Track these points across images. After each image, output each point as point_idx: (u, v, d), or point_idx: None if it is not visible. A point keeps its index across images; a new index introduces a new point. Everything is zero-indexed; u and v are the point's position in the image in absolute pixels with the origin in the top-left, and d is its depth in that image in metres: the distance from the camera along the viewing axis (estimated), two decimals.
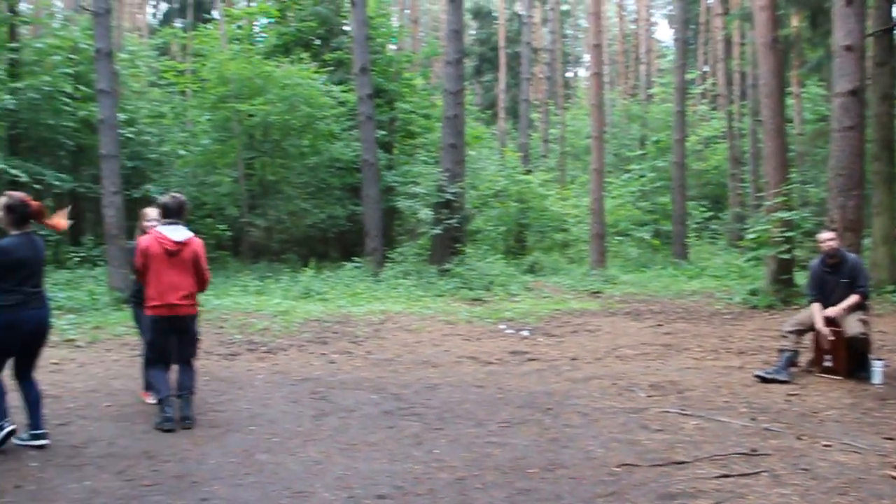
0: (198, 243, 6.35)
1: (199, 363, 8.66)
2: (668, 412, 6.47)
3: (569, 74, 54.79)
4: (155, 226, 6.41)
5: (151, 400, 6.76)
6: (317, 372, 8.34)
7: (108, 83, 13.37)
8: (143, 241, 6.19)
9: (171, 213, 6.27)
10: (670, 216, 24.18)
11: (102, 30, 13.41)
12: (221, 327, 11.41)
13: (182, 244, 6.21)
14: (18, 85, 17.58)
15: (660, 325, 11.94)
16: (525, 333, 11.17)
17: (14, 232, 5.34)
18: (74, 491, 4.62)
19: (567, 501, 4.46)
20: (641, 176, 27.38)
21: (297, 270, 17.58)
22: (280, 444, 5.57)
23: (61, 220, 5.56)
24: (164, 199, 6.35)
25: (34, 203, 5.37)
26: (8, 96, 16.97)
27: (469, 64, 41.83)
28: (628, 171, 28.91)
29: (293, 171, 20.94)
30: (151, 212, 6.70)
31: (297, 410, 6.57)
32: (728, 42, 30.19)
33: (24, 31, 20.67)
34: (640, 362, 8.97)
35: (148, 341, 6.34)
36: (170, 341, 6.31)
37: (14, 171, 16.19)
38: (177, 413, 6.09)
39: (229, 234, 21.16)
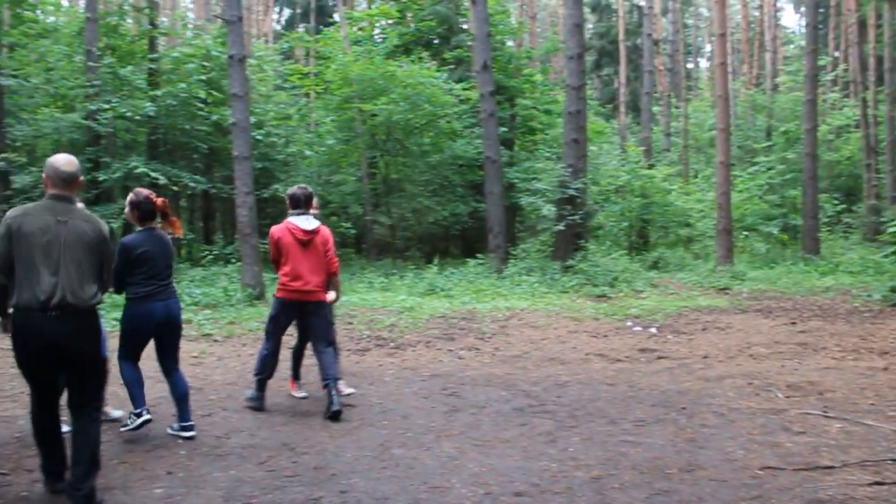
0: (326, 232, 6.59)
1: None
2: (809, 414, 6.20)
3: (689, 65, 53.27)
4: None
5: (298, 394, 6.93)
6: (445, 368, 8.40)
7: (241, 87, 13.84)
8: (275, 231, 6.47)
9: (300, 204, 6.52)
10: (800, 210, 23.14)
11: (235, 37, 13.90)
12: (350, 323, 11.64)
13: (312, 233, 6.44)
14: (157, 93, 18.46)
15: (793, 322, 11.44)
16: (653, 331, 10.92)
17: (139, 228, 5.60)
18: (220, 480, 4.79)
19: None
20: (769, 168, 26.30)
21: (421, 267, 17.77)
22: (414, 438, 5.62)
23: (178, 226, 5.80)
24: (292, 190, 6.61)
25: (158, 200, 5.59)
26: (148, 104, 17.83)
27: (588, 58, 41.26)
28: (755, 164, 27.82)
29: (416, 169, 21.19)
30: None
31: (429, 406, 6.63)
32: (862, 24, 28.64)
33: (161, 42, 21.72)
34: (774, 361, 8.63)
35: (270, 316, 6.64)
36: (287, 325, 6.67)
37: (154, 174, 17.00)
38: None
39: (354, 231, 21.61)
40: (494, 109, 17.52)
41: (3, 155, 17.38)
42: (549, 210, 17.27)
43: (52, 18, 22.48)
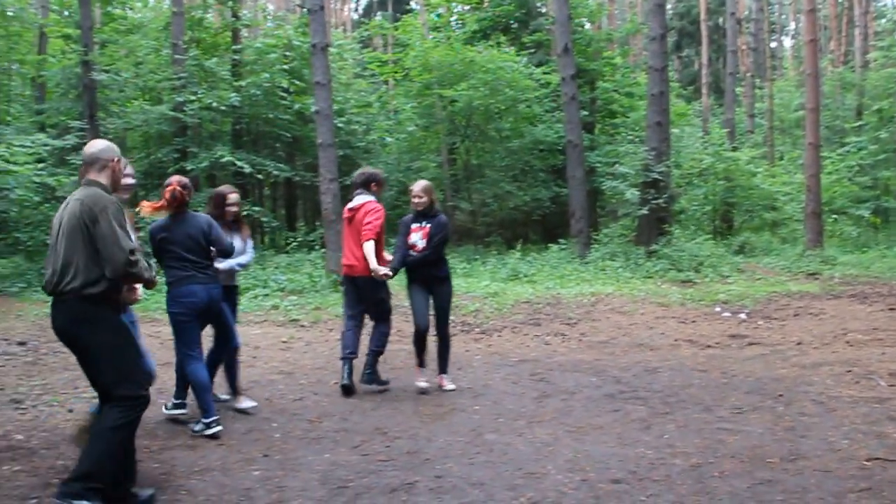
0: (370, 206, 6.55)
1: None
2: None
3: (773, 44, 51.60)
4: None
5: (449, 386, 6.84)
6: (533, 353, 8.36)
7: (324, 75, 13.98)
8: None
9: (357, 185, 6.75)
10: (893, 192, 22.23)
11: (317, 25, 14.05)
12: None
13: (354, 210, 6.60)
14: (241, 83, 18.81)
15: (892, 309, 11.02)
16: (743, 316, 10.66)
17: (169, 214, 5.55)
18: (316, 463, 4.86)
19: (815, 495, 4.19)
20: (860, 149, 25.31)
21: (503, 253, 17.70)
22: (506, 424, 5.60)
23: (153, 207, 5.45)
24: (354, 174, 6.89)
25: (168, 187, 5.46)
26: (233, 94, 18.18)
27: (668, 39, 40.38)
28: (844, 145, 26.81)
29: (496, 154, 21.09)
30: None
31: (519, 391, 6.60)
32: None
33: (244, 33, 22.11)
34: (874, 348, 8.32)
35: None
36: (353, 300, 6.78)
37: (239, 163, 17.35)
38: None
39: None
40: (575, 93, 17.29)
41: None
42: (632, 194, 16.98)
43: (140, 14, 23.14)
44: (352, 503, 4.19)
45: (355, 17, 38.20)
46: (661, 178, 16.22)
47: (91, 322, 3.99)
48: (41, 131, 21.17)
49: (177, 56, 18.46)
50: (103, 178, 4.11)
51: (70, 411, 6.04)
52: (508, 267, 15.31)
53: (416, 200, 6.74)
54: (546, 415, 5.82)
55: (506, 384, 6.88)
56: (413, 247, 6.66)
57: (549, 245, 17.72)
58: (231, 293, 6.25)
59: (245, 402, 6.14)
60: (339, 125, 20.09)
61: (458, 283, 13.93)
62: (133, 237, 4.33)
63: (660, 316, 10.68)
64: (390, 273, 6.46)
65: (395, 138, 21.95)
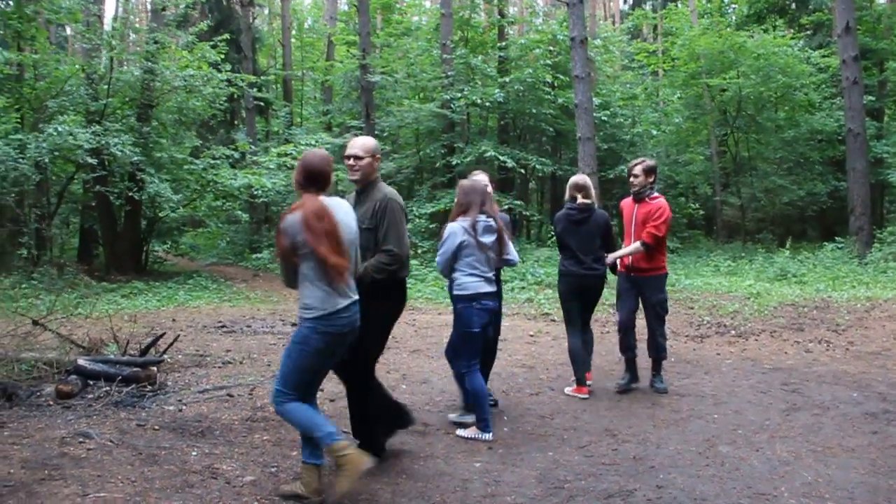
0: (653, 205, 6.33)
1: (668, 343, 8.64)
2: None
3: None
4: None
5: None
6: (789, 361, 7.75)
7: (583, 69, 13.93)
8: None
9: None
10: None
11: (576, 19, 14.01)
12: (691, 308, 11.24)
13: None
14: (505, 79, 19.21)
15: None
16: None
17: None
18: (538, 460, 4.85)
19: None
20: None
21: (772, 251, 16.63)
22: (744, 437, 5.23)
23: None
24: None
25: None
26: (497, 90, 18.62)
27: None
28: None
29: (769, 146, 19.83)
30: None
31: (766, 402, 6.15)
32: None
33: (510, 30, 22.58)
34: None
35: None
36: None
37: (502, 157, 17.75)
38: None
39: (702, 213, 20.87)
40: (858, 76, 15.73)
41: None
42: None
43: (416, 18, 24.44)
44: None
45: (624, 7, 37.50)
46: None
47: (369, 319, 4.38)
48: (327, 131, 23.07)
49: (445, 56, 19.24)
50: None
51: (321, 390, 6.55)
52: (776, 266, 14.37)
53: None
54: (791, 430, 5.36)
55: (753, 393, 6.44)
56: None
57: (824, 243, 16.35)
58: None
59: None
60: (604, 118, 19.90)
61: (719, 281, 13.37)
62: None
63: None
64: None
65: (662, 130, 21.33)
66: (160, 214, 17.41)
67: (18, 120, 15.73)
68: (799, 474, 4.47)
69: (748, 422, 5.59)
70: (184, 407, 5.93)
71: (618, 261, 6.43)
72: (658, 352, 6.55)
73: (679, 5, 24.91)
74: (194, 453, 4.92)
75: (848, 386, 6.62)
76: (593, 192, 6.53)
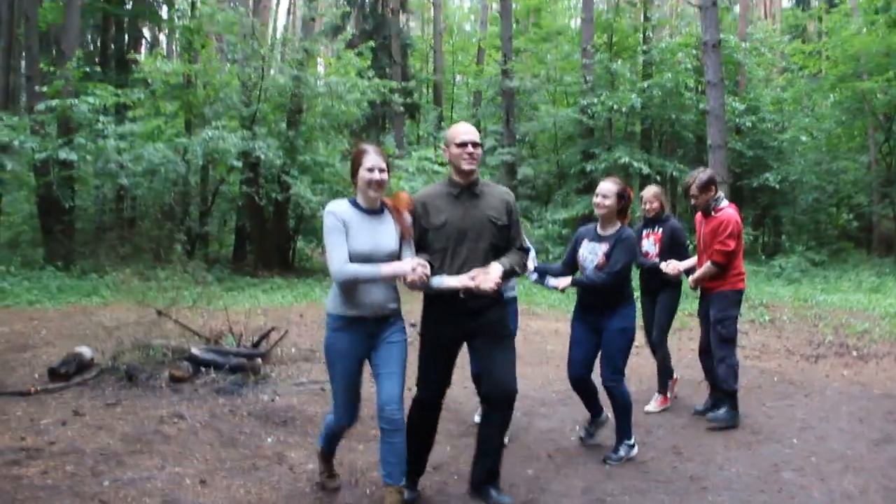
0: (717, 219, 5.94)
1: (777, 361, 8.35)
2: None
3: None
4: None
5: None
6: None
7: (715, 74, 13.53)
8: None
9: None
10: None
11: (709, 22, 13.63)
12: (815, 325, 10.75)
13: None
14: (643, 84, 18.89)
15: None
16: None
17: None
18: (592, 472, 4.87)
19: None
20: None
21: None
22: (815, 465, 5.00)
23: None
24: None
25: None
26: (633, 95, 18.33)
27: None
28: None
29: None
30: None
31: (858, 430, 5.82)
32: None
33: (653, 34, 22.16)
34: None
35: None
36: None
37: (637, 164, 17.49)
38: None
39: (856, 224, 19.74)
40: None
41: (510, 149, 19.40)
42: None
43: (560, 22, 24.44)
44: None
45: (787, 4, 35.73)
46: None
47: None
48: None
49: (585, 61, 19.14)
50: None
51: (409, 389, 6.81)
52: None
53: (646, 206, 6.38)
54: (872, 463, 5.04)
55: (848, 420, 6.11)
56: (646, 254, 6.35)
57: None
58: None
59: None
60: (749, 124, 19.23)
61: (858, 298, 12.66)
62: None
63: None
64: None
65: (812, 136, 20.30)
66: (306, 214, 18.29)
67: (183, 125, 17.05)
68: None
69: (828, 450, 5.34)
70: (277, 397, 6.35)
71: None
72: (715, 378, 6.10)
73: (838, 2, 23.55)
74: (270, 440, 5.32)
75: None
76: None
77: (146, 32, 26.22)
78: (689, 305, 9.59)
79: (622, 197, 5.07)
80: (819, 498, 4.44)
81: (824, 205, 20.21)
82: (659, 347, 6.47)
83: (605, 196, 5.07)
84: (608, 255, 5.04)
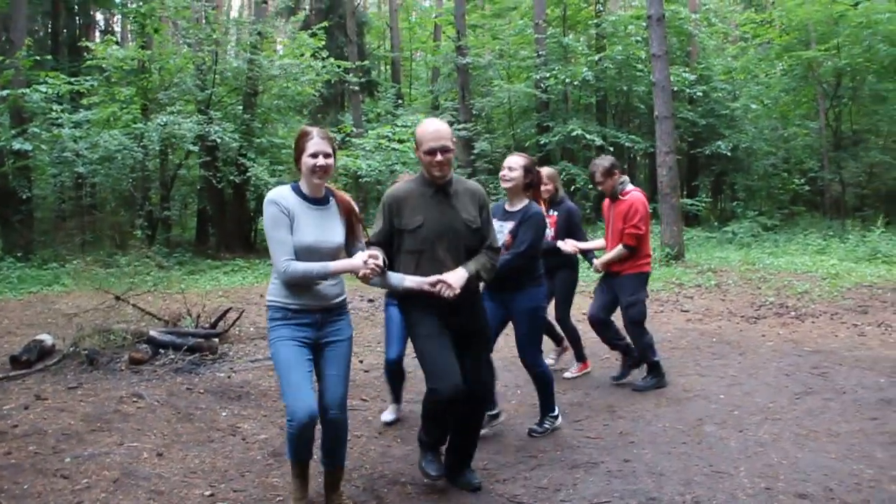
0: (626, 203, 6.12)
1: (717, 323, 8.73)
2: None
3: None
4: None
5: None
6: (834, 344, 7.68)
7: (660, 47, 13.83)
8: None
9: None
10: None
11: None
12: (759, 288, 11.17)
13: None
14: (594, 57, 19.19)
15: None
16: None
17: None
18: (523, 434, 5.16)
19: None
20: None
21: (870, 230, 16.10)
22: (737, 418, 5.34)
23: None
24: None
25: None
26: (585, 69, 18.62)
27: None
28: None
29: (874, 119, 19.01)
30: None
31: (782, 385, 6.19)
32: None
33: (604, 7, 22.40)
34: None
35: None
36: None
37: (590, 136, 17.82)
38: None
39: (808, 189, 20.27)
40: None
41: (466, 125, 19.61)
42: None
43: None
44: (528, 474, 4.45)
45: None
46: None
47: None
48: (434, 110, 23.64)
49: (537, 35, 19.38)
50: None
51: (360, 361, 7.13)
52: (868, 245, 13.92)
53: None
54: (788, 414, 5.38)
55: (775, 375, 6.48)
56: None
57: None
58: None
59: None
60: (700, 93, 19.61)
61: (803, 260, 13.12)
62: None
63: None
64: None
65: (763, 104, 20.76)
66: (265, 195, 18.38)
67: (139, 111, 17.09)
68: (767, 456, 4.56)
69: (752, 403, 5.68)
70: (233, 374, 6.64)
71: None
72: (617, 346, 6.45)
73: None
74: (224, 414, 5.60)
75: (881, 372, 6.48)
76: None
77: (98, 17, 25.99)
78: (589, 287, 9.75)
79: (529, 171, 4.90)
80: (735, 447, 4.77)
81: (777, 170, 20.70)
82: (565, 323, 6.68)
83: (510, 168, 4.88)
84: (514, 234, 4.83)
